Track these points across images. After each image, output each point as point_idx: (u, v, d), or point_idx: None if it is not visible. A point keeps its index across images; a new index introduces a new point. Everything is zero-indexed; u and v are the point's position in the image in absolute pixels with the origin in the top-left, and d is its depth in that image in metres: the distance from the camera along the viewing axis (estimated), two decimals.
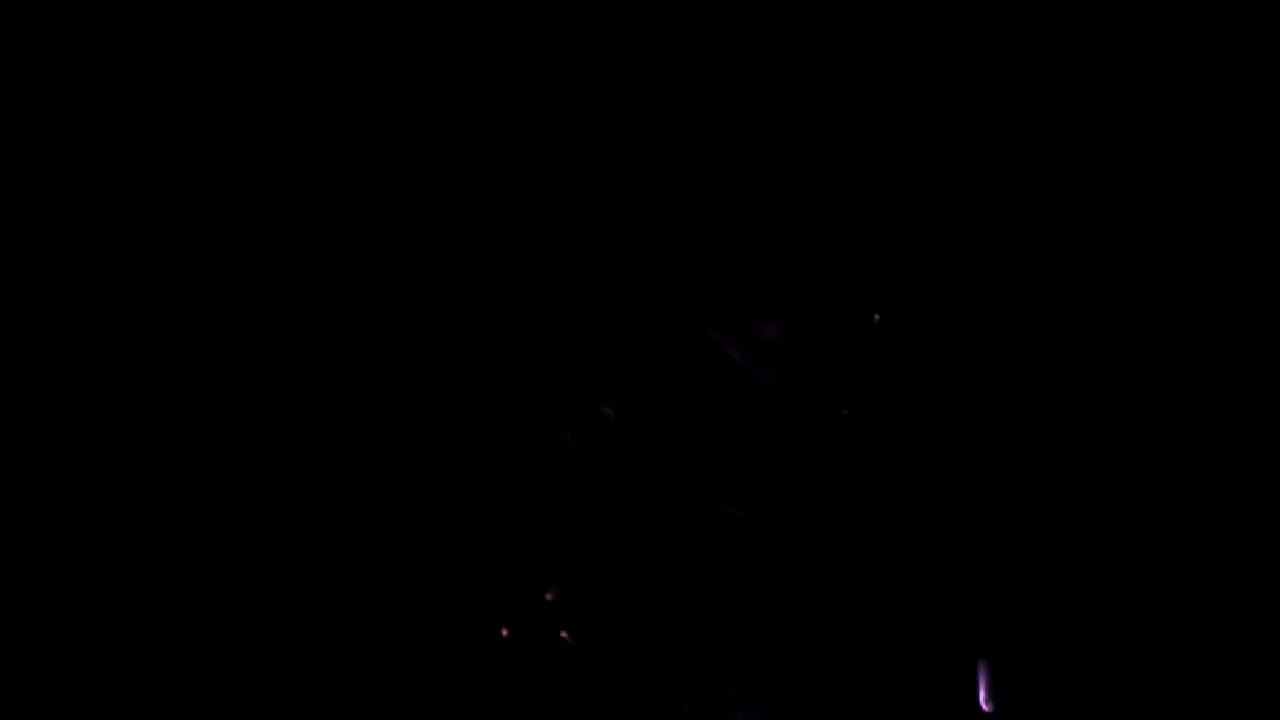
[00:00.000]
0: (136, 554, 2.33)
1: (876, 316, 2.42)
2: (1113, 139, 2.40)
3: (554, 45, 2.50)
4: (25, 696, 2.23)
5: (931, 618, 2.26)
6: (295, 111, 2.46)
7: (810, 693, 2.27)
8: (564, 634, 2.29)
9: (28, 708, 2.22)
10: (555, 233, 2.51)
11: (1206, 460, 2.30)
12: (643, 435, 2.40)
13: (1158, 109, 2.38)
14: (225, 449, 2.36)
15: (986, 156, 2.46)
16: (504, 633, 2.31)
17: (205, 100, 2.44)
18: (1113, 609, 2.26)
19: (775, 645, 2.29)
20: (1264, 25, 2.31)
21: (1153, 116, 2.39)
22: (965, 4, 2.43)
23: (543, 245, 2.52)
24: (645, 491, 2.37)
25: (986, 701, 2.22)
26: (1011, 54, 2.44)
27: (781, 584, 2.31)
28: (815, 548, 2.32)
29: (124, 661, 2.28)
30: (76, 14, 2.39)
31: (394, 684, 2.30)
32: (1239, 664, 2.21)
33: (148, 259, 2.42)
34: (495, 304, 2.50)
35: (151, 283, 2.41)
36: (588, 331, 2.49)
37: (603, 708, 2.29)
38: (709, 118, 2.53)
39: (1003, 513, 2.31)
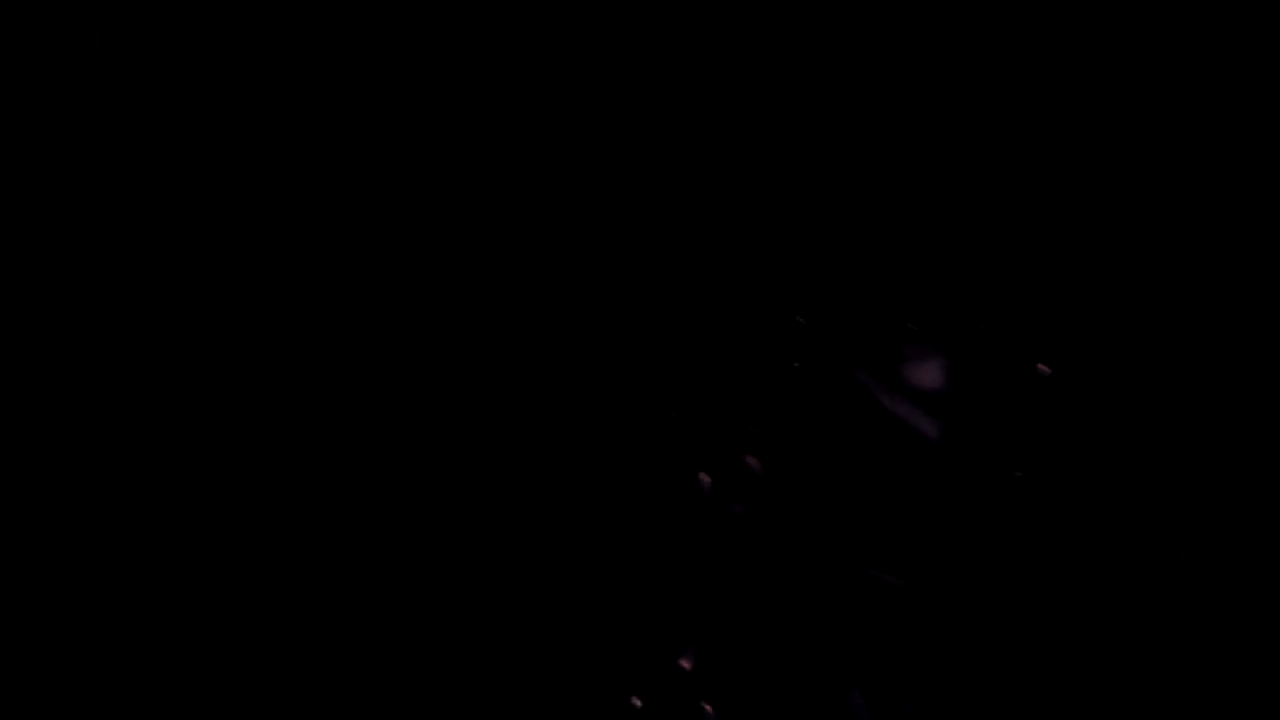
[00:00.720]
0: (134, 554, 2.21)
1: (1043, 368, 2.24)
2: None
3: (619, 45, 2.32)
4: (25, 696, 2.13)
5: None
6: (295, 111, 2.33)
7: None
8: (706, 706, 2.09)
9: (28, 708, 2.12)
10: (688, 250, 2.30)
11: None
12: (790, 488, 2.20)
13: (1164, 108, 2.25)
14: (254, 450, 2.22)
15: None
16: (636, 703, 2.10)
17: (205, 100, 2.34)
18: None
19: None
20: (1264, 25, 2.21)
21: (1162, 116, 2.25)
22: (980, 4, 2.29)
23: (671, 262, 2.31)
24: (792, 552, 2.17)
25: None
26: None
27: (940, 661, 2.13)
28: (979, 623, 2.13)
29: (124, 661, 2.16)
30: (76, 14, 2.31)
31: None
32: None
33: (147, 259, 2.30)
34: (617, 327, 2.29)
35: (151, 282, 2.30)
36: (724, 365, 2.27)
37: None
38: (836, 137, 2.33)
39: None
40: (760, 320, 2.29)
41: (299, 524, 2.20)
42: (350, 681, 2.14)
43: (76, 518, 2.21)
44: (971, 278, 2.30)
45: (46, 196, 2.30)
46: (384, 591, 2.17)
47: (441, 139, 2.33)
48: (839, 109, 2.34)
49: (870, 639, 2.14)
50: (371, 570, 2.18)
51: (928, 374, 2.25)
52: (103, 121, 2.32)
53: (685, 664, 2.14)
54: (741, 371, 2.27)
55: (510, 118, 2.33)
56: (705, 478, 2.21)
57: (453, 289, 2.28)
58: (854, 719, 2.11)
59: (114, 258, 2.29)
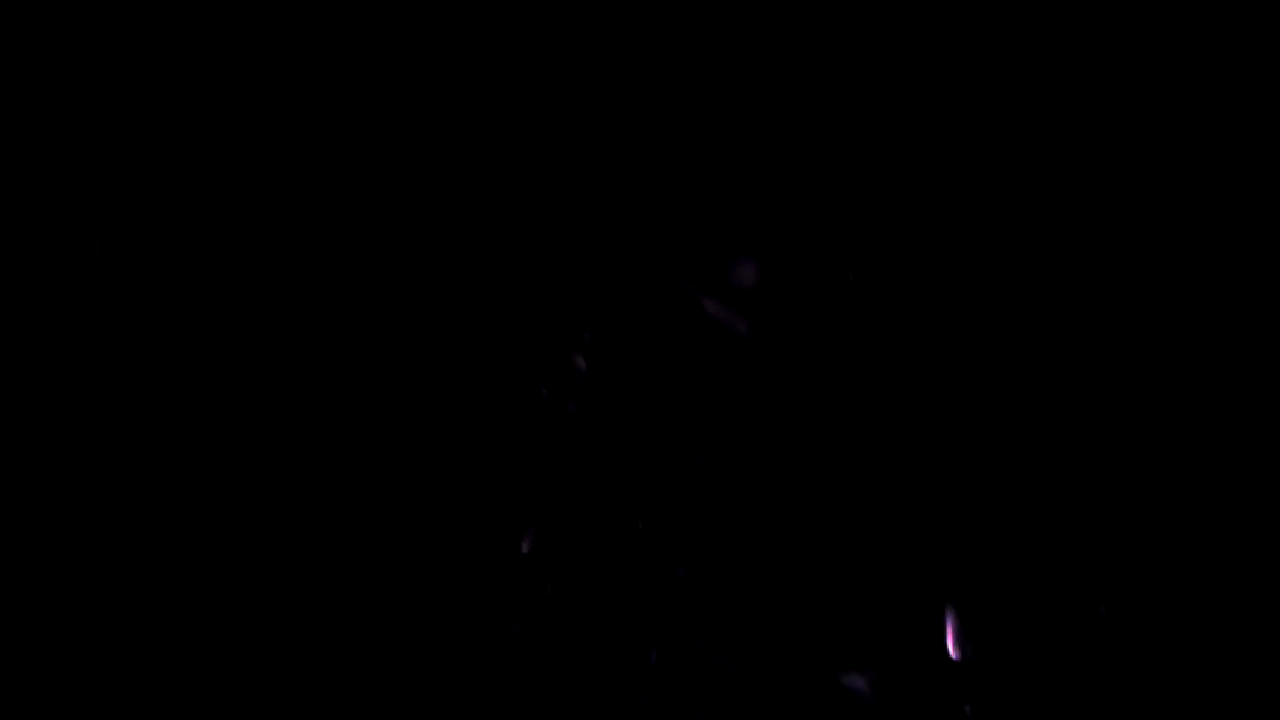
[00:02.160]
0: (130, 554, 2.31)
1: (851, 276, 2.43)
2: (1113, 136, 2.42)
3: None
4: (25, 696, 2.22)
5: (903, 565, 2.31)
6: (277, 111, 2.43)
7: (782, 638, 2.30)
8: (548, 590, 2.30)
9: (28, 708, 2.22)
10: (517, 175, 2.48)
11: (1191, 452, 2.34)
12: (615, 386, 2.40)
13: (1160, 107, 2.40)
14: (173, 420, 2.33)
15: (977, 128, 2.47)
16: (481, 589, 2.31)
17: (204, 100, 2.41)
18: (1085, 568, 2.32)
19: (748, 592, 2.31)
20: (1264, 25, 2.32)
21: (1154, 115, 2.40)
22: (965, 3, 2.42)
23: (504, 187, 2.49)
24: (618, 442, 2.38)
25: (954, 649, 2.27)
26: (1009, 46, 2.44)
27: (754, 533, 2.34)
28: (788, 497, 2.35)
29: (124, 661, 2.27)
30: (77, 14, 2.37)
31: (364, 638, 2.30)
32: (1209, 640, 2.28)
33: (141, 259, 2.39)
34: (457, 251, 2.47)
35: (141, 282, 2.39)
36: (558, 280, 2.47)
37: (576, 656, 2.31)
38: (684, 66, 2.51)
39: (977, 473, 2.34)
40: (583, 233, 2.48)
41: (287, 525, 2.33)
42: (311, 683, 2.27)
43: (76, 518, 2.30)
44: (788, 192, 2.50)
45: (46, 196, 2.36)
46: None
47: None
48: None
49: (685, 517, 2.35)
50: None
51: (741, 276, 2.45)
52: (103, 121, 2.38)
53: (524, 548, 2.35)
54: (569, 283, 2.47)
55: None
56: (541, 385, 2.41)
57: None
58: (678, 586, 2.32)
59: (113, 258, 2.37)
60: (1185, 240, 2.38)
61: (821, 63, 2.49)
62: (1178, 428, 2.34)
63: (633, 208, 2.49)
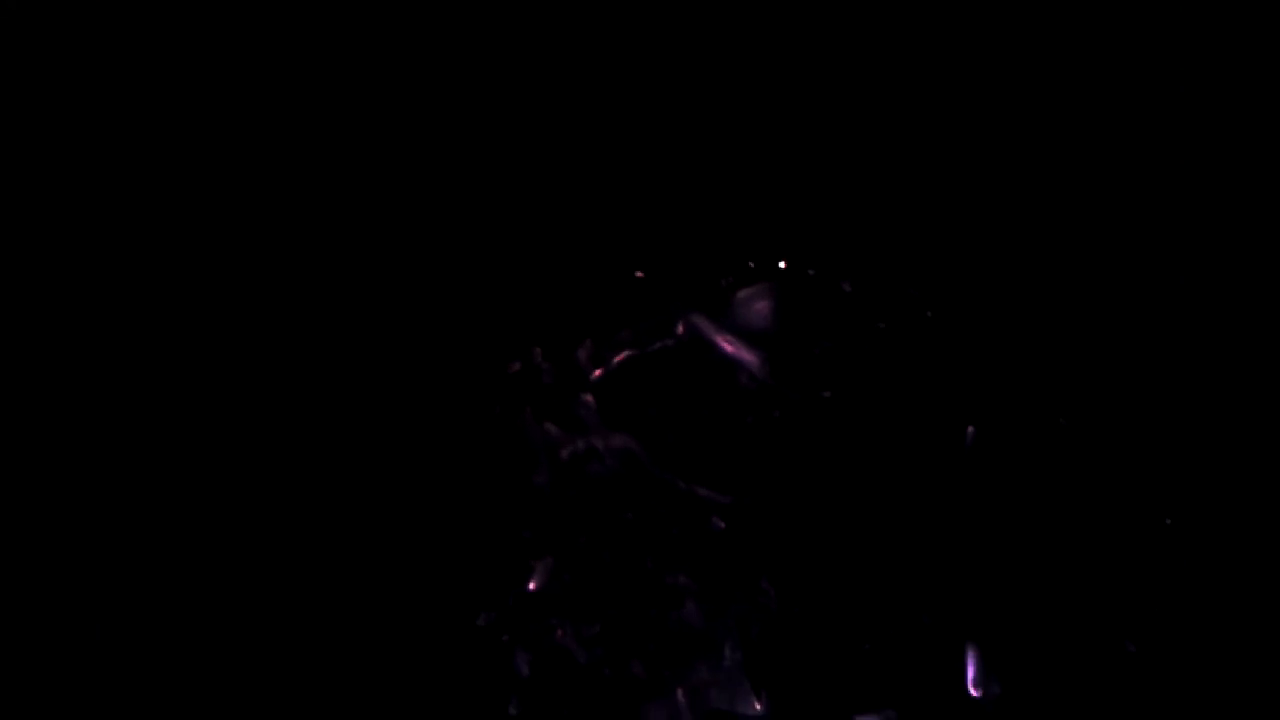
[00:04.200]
0: (125, 553, 2.30)
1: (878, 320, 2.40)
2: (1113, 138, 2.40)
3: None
4: (25, 696, 2.20)
5: (922, 603, 2.24)
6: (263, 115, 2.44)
7: (797, 678, 2.24)
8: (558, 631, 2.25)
9: (27, 708, 2.20)
10: (528, 212, 2.48)
11: (1198, 455, 2.29)
12: (625, 423, 2.37)
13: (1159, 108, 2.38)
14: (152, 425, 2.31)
15: (981, 147, 2.46)
16: (480, 622, 2.27)
17: (204, 100, 2.42)
18: (1100, 599, 2.24)
19: (762, 632, 2.25)
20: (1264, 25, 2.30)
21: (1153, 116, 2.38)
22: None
23: (514, 224, 2.49)
24: (629, 479, 2.34)
25: (974, 687, 2.19)
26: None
27: (768, 571, 2.28)
28: (802, 534, 2.29)
29: (123, 661, 2.25)
30: (77, 14, 2.38)
31: (371, 674, 2.26)
32: (1228, 654, 2.19)
33: (137, 259, 2.39)
34: (468, 285, 2.46)
35: (135, 282, 2.39)
36: (567, 316, 2.45)
37: (586, 698, 2.25)
38: (695, 97, 2.51)
39: (991, 504, 2.28)
40: (601, 276, 2.47)
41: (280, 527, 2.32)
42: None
43: (76, 518, 2.29)
44: (799, 228, 2.48)
45: (46, 196, 2.36)
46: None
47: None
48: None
49: (702, 552, 2.30)
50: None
51: (753, 315, 2.43)
52: (103, 121, 2.38)
53: (532, 586, 2.31)
54: (581, 322, 2.45)
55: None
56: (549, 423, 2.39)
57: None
58: (690, 626, 2.27)
59: (113, 258, 2.37)
60: (1186, 240, 2.34)
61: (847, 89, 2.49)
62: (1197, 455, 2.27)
63: (644, 239, 2.48)
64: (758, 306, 2.43)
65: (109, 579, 2.29)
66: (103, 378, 2.37)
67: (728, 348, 2.40)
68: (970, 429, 2.30)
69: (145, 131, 2.43)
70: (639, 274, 2.47)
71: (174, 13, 2.42)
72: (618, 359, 2.42)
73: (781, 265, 2.41)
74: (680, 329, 2.41)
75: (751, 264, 2.44)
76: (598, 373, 2.41)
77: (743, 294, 2.44)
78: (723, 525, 2.30)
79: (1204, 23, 2.36)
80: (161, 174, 2.43)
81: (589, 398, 2.38)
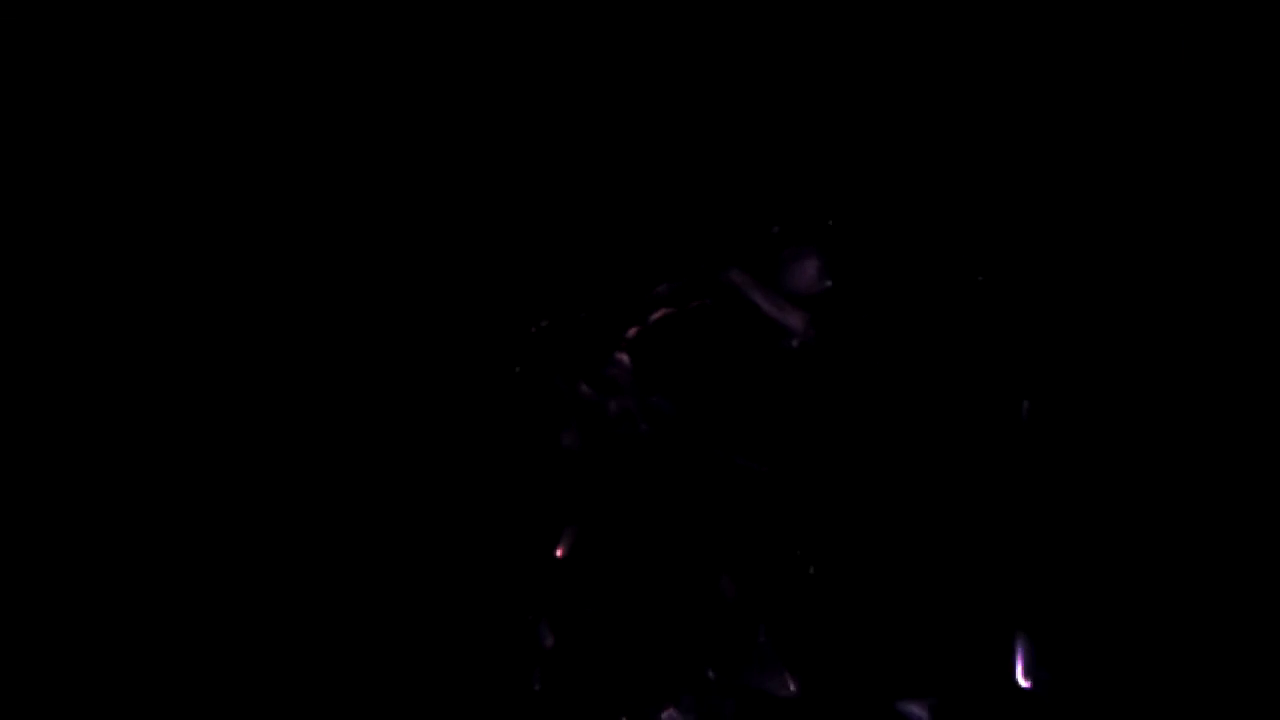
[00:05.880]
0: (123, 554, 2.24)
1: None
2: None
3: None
4: (25, 696, 2.17)
5: (966, 587, 2.13)
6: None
7: (834, 661, 2.13)
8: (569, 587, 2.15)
9: (27, 708, 2.16)
10: (561, 162, 2.36)
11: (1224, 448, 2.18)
12: (661, 385, 2.26)
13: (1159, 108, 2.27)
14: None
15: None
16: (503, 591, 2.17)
17: (203, 100, 2.37)
18: (1154, 589, 2.13)
19: (798, 610, 2.14)
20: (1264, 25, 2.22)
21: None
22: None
23: (547, 175, 2.38)
24: (662, 445, 2.23)
25: (1025, 677, 2.08)
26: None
27: (806, 546, 2.17)
28: (843, 508, 2.18)
29: (123, 661, 2.20)
30: (76, 14, 2.34)
31: (395, 639, 2.17)
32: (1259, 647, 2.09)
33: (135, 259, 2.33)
34: (497, 237, 2.36)
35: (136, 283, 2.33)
36: (601, 272, 2.34)
37: (613, 674, 2.15)
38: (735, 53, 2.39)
39: (1042, 486, 2.17)
40: (627, 229, 2.35)
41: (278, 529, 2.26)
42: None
43: (76, 518, 2.25)
44: (846, 180, 2.36)
45: (46, 196, 2.34)
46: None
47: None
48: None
49: (736, 524, 2.19)
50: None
51: (799, 275, 2.30)
52: (103, 121, 2.36)
53: (559, 553, 2.20)
54: (612, 279, 2.34)
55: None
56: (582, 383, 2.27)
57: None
58: (724, 600, 2.16)
59: (112, 258, 2.34)
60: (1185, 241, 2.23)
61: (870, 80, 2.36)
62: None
63: (682, 189, 2.36)
64: (804, 265, 2.30)
65: (104, 575, 2.22)
66: (89, 365, 2.30)
67: (770, 308, 2.27)
68: (1026, 403, 2.18)
69: (141, 125, 2.36)
70: (680, 223, 2.35)
71: (174, 13, 2.35)
72: (655, 316, 2.29)
73: (830, 224, 2.29)
74: (721, 286, 2.29)
75: (793, 220, 2.32)
76: (633, 331, 2.29)
77: (788, 252, 2.31)
78: (760, 495, 2.18)
79: (1204, 23, 2.25)
80: (148, 160, 2.36)
81: (624, 357, 2.27)
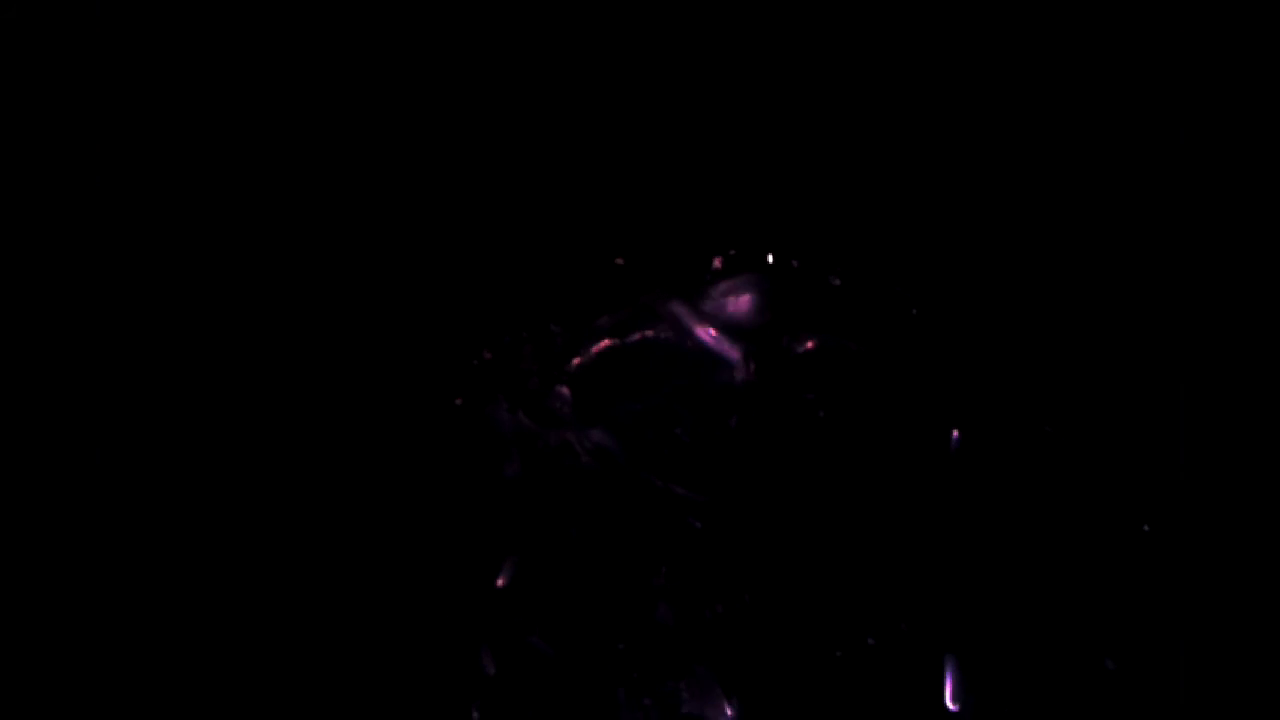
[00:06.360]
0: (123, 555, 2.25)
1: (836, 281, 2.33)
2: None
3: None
4: (25, 696, 2.17)
5: (900, 612, 2.17)
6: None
7: (770, 686, 2.17)
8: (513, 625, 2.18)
9: (27, 708, 2.17)
10: (500, 195, 2.41)
11: (1185, 460, 2.23)
12: (600, 416, 2.30)
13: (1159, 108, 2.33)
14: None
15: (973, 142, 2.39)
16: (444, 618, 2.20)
17: (203, 100, 2.39)
18: (1079, 609, 2.19)
19: (735, 637, 2.19)
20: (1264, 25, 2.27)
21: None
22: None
23: (487, 209, 2.42)
24: (602, 475, 2.27)
25: (953, 700, 2.13)
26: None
27: (743, 574, 2.21)
28: (779, 536, 2.22)
29: (122, 661, 2.21)
30: (77, 14, 2.36)
31: (331, 672, 2.19)
32: (1214, 664, 2.14)
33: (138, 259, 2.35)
34: (440, 272, 2.39)
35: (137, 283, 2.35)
36: (541, 305, 2.38)
37: (553, 700, 2.18)
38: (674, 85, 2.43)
39: (972, 511, 2.22)
40: (568, 262, 2.40)
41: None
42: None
43: (76, 518, 2.27)
44: (783, 215, 2.41)
45: (46, 196, 2.35)
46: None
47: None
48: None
49: (675, 553, 2.23)
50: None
51: (736, 306, 2.35)
52: (103, 121, 2.38)
53: (500, 583, 2.24)
54: (553, 311, 2.38)
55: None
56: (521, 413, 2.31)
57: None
58: (661, 628, 2.20)
59: (112, 258, 2.35)
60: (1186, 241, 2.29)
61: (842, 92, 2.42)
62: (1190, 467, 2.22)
63: (621, 225, 2.40)
64: (741, 299, 2.35)
65: (100, 574, 2.24)
66: (84, 365, 2.32)
67: (709, 341, 2.32)
68: (955, 433, 2.23)
69: (139, 126, 2.39)
70: (619, 260, 2.40)
71: (174, 12, 2.38)
72: (596, 349, 2.34)
73: (769, 259, 2.34)
74: (660, 319, 2.34)
75: (733, 252, 2.37)
76: (575, 362, 2.33)
77: (725, 285, 2.36)
78: (699, 525, 2.23)
79: (1204, 23, 2.31)
80: (142, 162, 2.38)
81: (565, 389, 2.31)
